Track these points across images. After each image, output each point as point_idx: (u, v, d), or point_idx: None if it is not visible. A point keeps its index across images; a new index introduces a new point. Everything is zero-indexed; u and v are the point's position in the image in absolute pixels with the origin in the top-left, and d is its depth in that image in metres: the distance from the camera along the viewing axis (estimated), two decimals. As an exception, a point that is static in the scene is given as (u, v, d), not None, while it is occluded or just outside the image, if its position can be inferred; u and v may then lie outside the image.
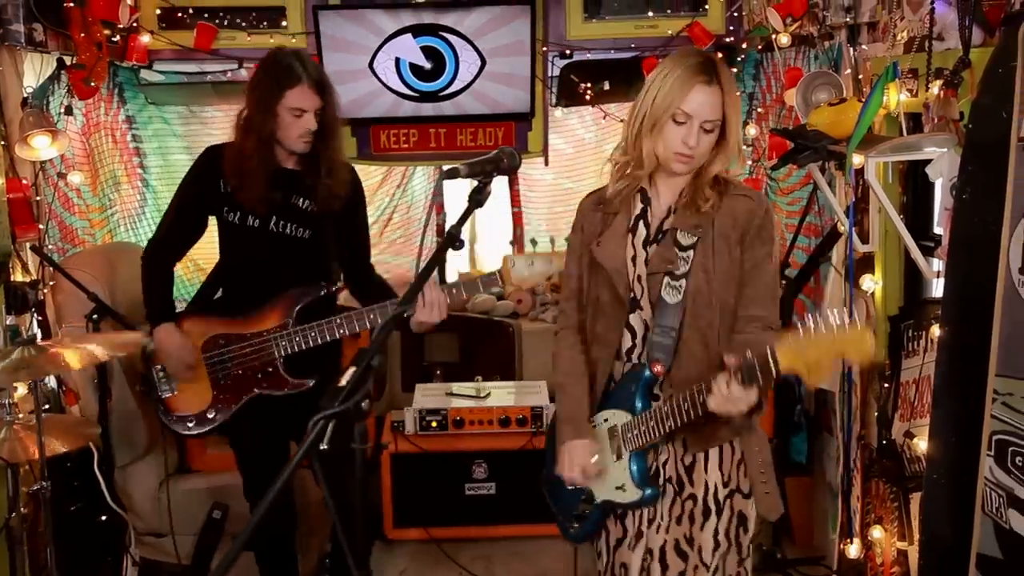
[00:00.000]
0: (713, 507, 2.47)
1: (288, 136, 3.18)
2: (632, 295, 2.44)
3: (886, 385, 3.45)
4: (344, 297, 3.65)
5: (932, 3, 2.70)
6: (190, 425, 3.36)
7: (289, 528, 3.62)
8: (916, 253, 2.86)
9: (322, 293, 3.33)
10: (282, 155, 3.26)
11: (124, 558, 3.95)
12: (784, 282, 3.88)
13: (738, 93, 2.36)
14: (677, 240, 2.37)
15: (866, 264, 3.54)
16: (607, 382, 2.52)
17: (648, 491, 2.45)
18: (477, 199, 1.95)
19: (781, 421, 4.17)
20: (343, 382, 1.51)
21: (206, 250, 3.62)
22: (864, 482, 3.65)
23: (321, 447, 1.46)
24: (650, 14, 4.76)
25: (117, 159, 4.76)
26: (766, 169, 4.34)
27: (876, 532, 3.46)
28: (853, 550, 3.59)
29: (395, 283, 5.22)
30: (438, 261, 1.85)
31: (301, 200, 3.31)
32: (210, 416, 3.33)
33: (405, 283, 5.22)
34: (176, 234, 3.40)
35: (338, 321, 3.22)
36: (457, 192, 5.39)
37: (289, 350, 3.26)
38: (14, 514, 2.96)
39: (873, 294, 3.46)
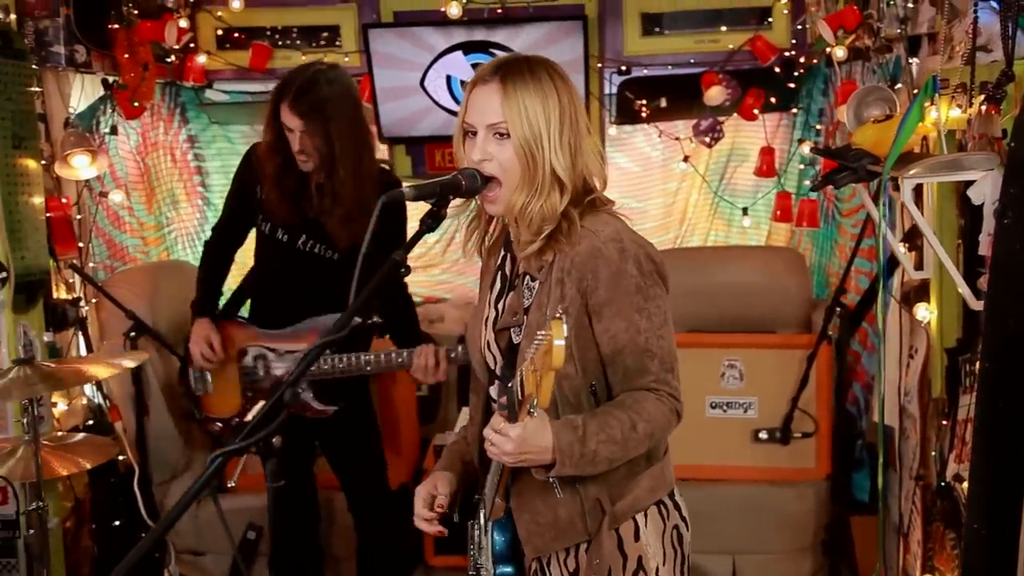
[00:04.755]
0: None
1: (293, 151, 3.15)
2: (488, 368, 2.10)
3: (944, 423, 3.20)
4: None
5: (975, 12, 2.48)
6: (217, 426, 3.45)
7: (316, 555, 3.59)
8: (960, 281, 2.63)
9: (356, 324, 3.27)
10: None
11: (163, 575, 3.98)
12: (839, 309, 3.66)
13: (544, 101, 1.90)
14: (527, 285, 2.01)
15: (924, 292, 3.30)
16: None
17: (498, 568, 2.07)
18: (428, 224, 1.83)
19: (842, 457, 3.93)
20: (249, 417, 1.42)
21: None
22: (925, 525, 3.40)
23: (230, 484, 1.36)
24: (723, 28, 4.58)
25: (176, 178, 4.82)
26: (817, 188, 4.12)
27: (928, 581, 3.21)
28: (910, 598, 3.35)
29: (457, 302, 5.18)
30: (378, 287, 1.75)
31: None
32: (234, 423, 3.38)
33: (467, 302, 5.18)
34: (233, 221, 3.46)
35: (366, 358, 3.16)
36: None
37: (319, 376, 3.22)
38: (31, 531, 2.96)
39: (928, 324, 3.22)
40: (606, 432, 1.87)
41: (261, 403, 1.49)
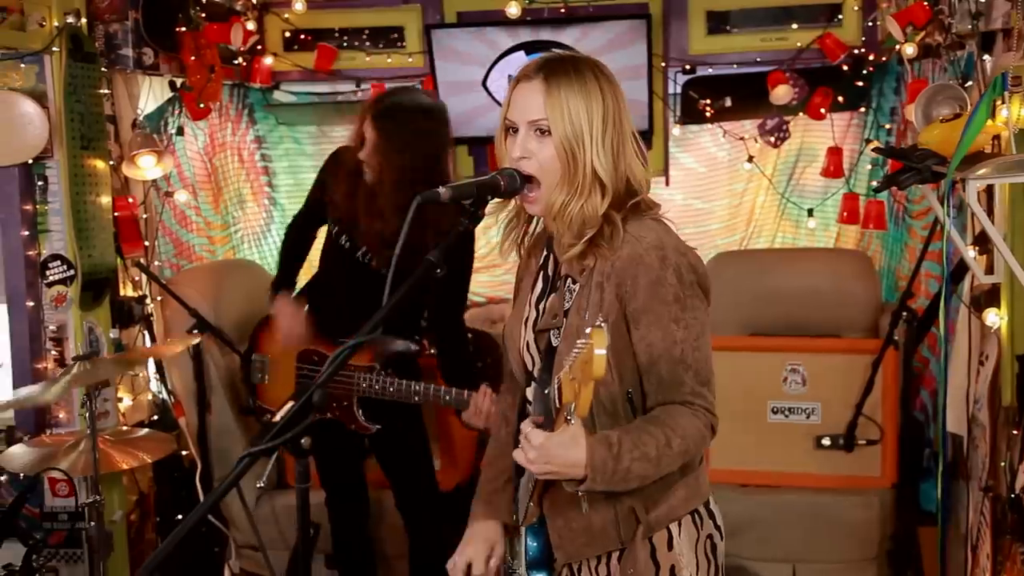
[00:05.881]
0: None
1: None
2: (526, 369, 2.05)
3: (1015, 432, 3.09)
4: None
5: (1047, 5, 2.39)
6: (267, 418, 3.47)
7: (368, 555, 3.63)
8: (1028, 287, 2.54)
9: (406, 350, 3.23)
10: None
11: (224, 569, 4.04)
12: (906, 314, 3.56)
13: (588, 100, 1.87)
14: (568, 287, 1.96)
15: (995, 296, 3.19)
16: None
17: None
18: (465, 224, 1.82)
19: (909, 466, 3.81)
20: (277, 418, 1.42)
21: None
22: (994, 538, 3.29)
23: (259, 485, 1.37)
24: (794, 26, 4.49)
25: (243, 178, 4.89)
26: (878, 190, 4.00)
27: (995, 598, 3.10)
28: (978, 615, 3.24)
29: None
30: (410, 290, 1.74)
31: None
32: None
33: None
34: (310, 209, 3.49)
35: (416, 388, 3.17)
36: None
37: (367, 394, 3.24)
38: (91, 523, 3.03)
39: (999, 330, 3.11)
40: (640, 449, 1.82)
41: (290, 403, 1.49)
